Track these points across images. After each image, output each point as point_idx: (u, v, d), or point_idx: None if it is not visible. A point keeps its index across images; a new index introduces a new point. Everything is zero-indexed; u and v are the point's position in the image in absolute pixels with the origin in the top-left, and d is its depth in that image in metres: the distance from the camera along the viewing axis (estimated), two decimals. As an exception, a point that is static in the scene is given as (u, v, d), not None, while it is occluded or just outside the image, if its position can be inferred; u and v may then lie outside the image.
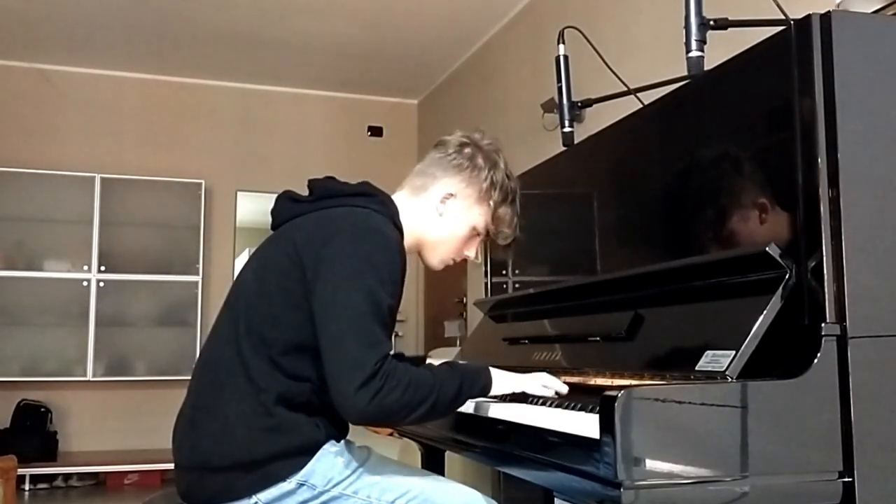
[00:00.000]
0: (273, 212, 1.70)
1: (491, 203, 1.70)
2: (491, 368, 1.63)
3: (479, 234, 1.74)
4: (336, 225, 1.53)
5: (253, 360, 1.50)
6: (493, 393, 1.62)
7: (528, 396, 1.67)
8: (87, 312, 5.27)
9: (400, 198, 1.71)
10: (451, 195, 1.69)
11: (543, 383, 1.65)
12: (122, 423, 5.42)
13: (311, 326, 1.47)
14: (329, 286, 1.46)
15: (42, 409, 5.22)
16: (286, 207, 1.67)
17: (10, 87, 5.48)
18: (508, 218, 1.72)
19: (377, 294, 1.46)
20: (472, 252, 1.76)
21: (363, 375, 1.38)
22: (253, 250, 1.67)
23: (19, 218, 5.31)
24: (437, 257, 1.75)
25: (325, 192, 1.64)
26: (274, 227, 1.68)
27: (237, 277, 1.64)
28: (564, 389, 1.63)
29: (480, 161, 1.70)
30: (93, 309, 5.28)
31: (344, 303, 1.44)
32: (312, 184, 1.68)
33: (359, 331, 1.42)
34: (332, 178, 1.69)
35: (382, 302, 1.46)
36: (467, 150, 1.70)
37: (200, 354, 1.63)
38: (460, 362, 1.69)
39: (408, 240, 1.67)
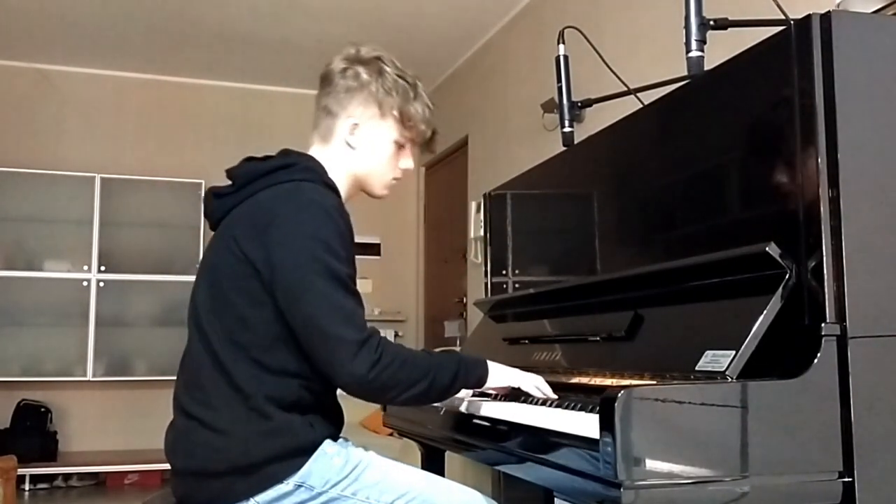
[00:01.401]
0: (206, 214, 1.66)
1: (395, 112, 1.64)
2: (488, 361, 1.64)
3: (403, 145, 1.68)
4: (270, 211, 1.50)
5: (234, 367, 1.48)
6: (488, 385, 1.63)
7: (522, 395, 1.68)
8: (87, 312, 5.27)
9: (316, 152, 1.66)
10: (356, 125, 1.63)
11: (537, 384, 1.66)
12: (122, 423, 5.43)
13: (281, 318, 1.47)
14: (286, 276, 1.45)
15: (42, 409, 5.22)
16: (216, 206, 1.63)
17: (10, 87, 5.49)
18: (419, 115, 1.66)
19: (334, 267, 1.45)
20: (408, 162, 1.71)
21: (351, 348, 1.41)
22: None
23: (19, 218, 5.30)
24: (378, 185, 1.70)
25: (247, 177, 1.59)
26: (213, 227, 1.64)
27: (193, 289, 1.60)
28: (553, 397, 1.65)
29: (365, 76, 1.63)
30: (93, 309, 5.28)
31: (306, 287, 1.43)
32: (231, 172, 1.63)
33: (330, 310, 1.43)
34: (249, 159, 1.64)
35: (341, 273, 1.46)
36: (349, 71, 1.64)
37: (180, 371, 1.59)
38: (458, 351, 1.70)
39: (344, 186, 1.64)
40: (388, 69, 1.64)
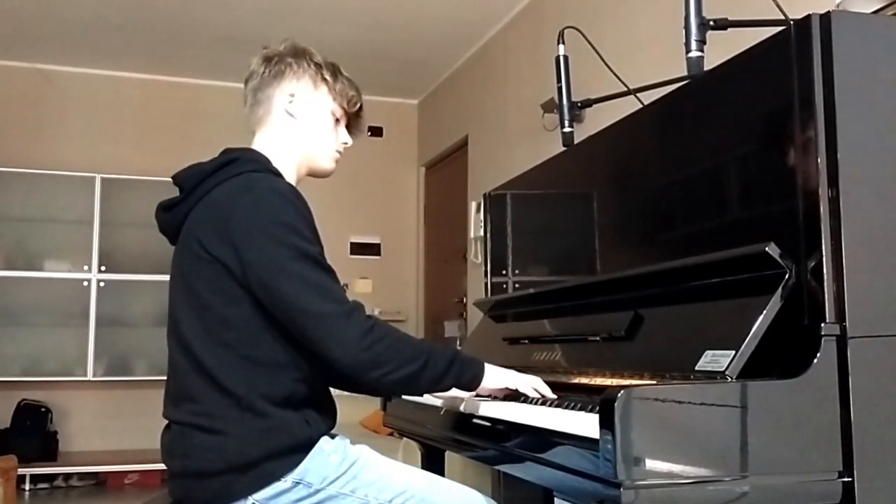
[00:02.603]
0: (162, 230, 1.67)
1: (327, 79, 1.69)
2: (485, 363, 1.63)
3: (339, 118, 1.73)
4: (227, 207, 1.50)
5: (223, 371, 1.48)
6: (484, 386, 1.62)
7: (522, 395, 1.68)
8: (88, 312, 5.27)
9: (259, 142, 1.68)
10: (293, 95, 1.68)
11: (534, 386, 1.65)
12: (122, 423, 5.42)
13: (261, 310, 1.47)
14: (259, 268, 1.45)
15: (42, 409, 5.22)
16: (168, 218, 1.63)
17: (10, 87, 5.49)
18: (347, 84, 1.72)
19: (302, 247, 1.46)
20: (346, 137, 1.75)
21: (337, 321, 1.42)
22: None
23: (19, 218, 5.31)
24: (325, 157, 1.72)
25: (194, 179, 1.60)
26: (172, 241, 1.64)
27: (169, 304, 1.59)
28: (552, 397, 1.64)
29: (290, 58, 1.70)
30: (93, 309, 5.28)
31: (281, 274, 1.44)
32: (177, 178, 1.64)
33: (308, 289, 1.44)
34: (194, 165, 1.65)
35: (311, 251, 1.47)
36: (275, 59, 1.70)
37: (166, 389, 1.59)
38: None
39: (291, 168, 1.67)
40: (309, 50, 1.71)
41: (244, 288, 1.47)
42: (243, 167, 1.57)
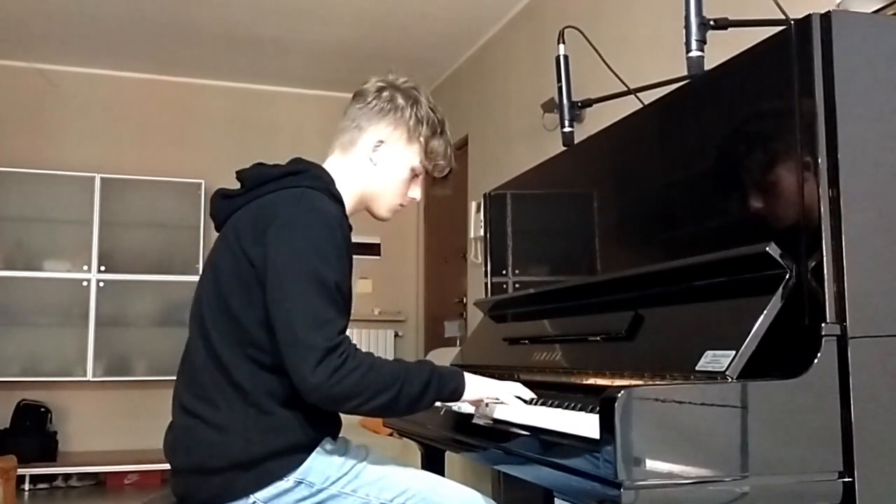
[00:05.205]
0: (212, 214, 1.69)
1: (421, 139, 1.69)
2: (465, 374, 1.60)
3: (418, 174, 1.73)
4: (272, 211, 1.52)
5: (233, 364, 1.49)
6: (465, 397, 1.59)
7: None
8: (87, 312, 5.27)
9: (333, 161, 1.70)
10: (381, 142, 1.68)
11: (515, 393, 1.63)
12: (122, 423, 5.42)
13: (270, 317, 1.47)
14: (274, 274, 1.46)
15: (42, 409, 5.22)
16: (222, 206, 1.66)
17: (10, 87, 5.48)
18: (441, 150, 1.71)
19: (322, 273, 1.45)
20: (416, 193, 1.75)
21: (316, 355, 1.38)
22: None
23: (19, 218, 5.30)
24: (384, 207, 1.73)
25: (256, 180, 1.62)
26: (218, 228, 1.67)
27: (197, 288, 1.62)
28: (530, 398, 1.63)
29: (401, 101, 1.69)
30: (93, 309, 5.28)
31: (289, 287, 1.44)
32: (242, 174, 1.67)
33: (306, 313, 1.42)
34: (260, 164, 1.67)
35: (328, 280, 1.45)
36: (385, 93, 1.69)
37: (180, 370, 1.60)
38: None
39: (350, 200, 1.67)
40: (423, 100, 1.70)
41: (261, 290, 1.48)
42: (304, 181, 1.58)
